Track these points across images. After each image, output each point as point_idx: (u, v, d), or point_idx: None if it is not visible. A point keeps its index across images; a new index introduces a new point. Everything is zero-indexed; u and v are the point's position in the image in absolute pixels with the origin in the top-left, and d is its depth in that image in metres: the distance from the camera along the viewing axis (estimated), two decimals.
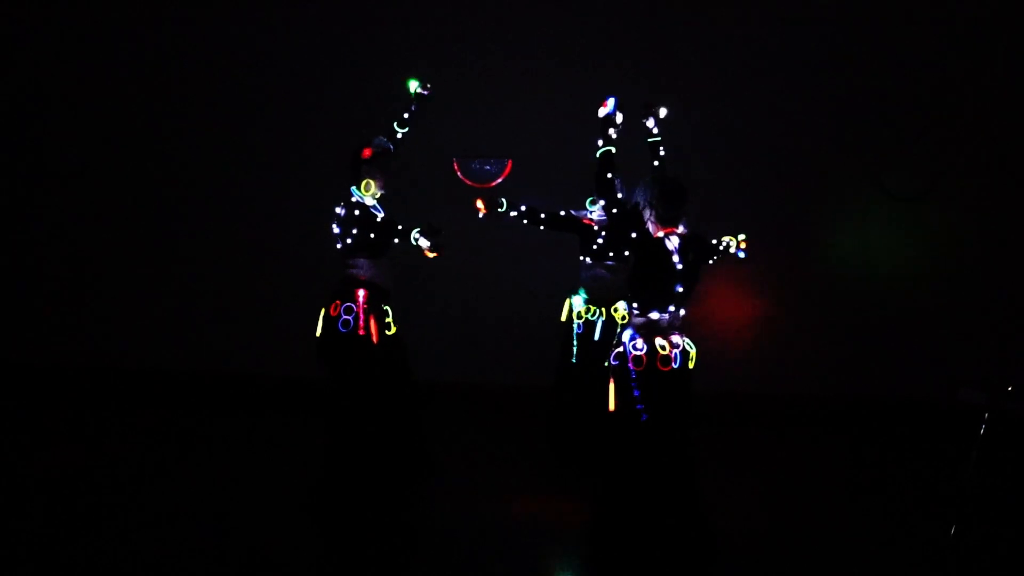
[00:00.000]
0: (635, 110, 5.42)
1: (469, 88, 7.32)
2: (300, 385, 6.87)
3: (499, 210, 5.63)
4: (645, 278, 4.45)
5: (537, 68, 7.37)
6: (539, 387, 6.74)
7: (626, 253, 5.77)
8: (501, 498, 5.49)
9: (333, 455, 5.26)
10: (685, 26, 7.36)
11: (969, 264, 7.30)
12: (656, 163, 5.61)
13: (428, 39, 7.39)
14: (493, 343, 7.46)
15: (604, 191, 4.57)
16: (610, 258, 5.94)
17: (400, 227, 5.10)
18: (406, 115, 5.64)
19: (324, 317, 5.26)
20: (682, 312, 4.51)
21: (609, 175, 4.55)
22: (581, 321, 5.97)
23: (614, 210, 4.52)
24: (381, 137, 5.46)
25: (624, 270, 5.71)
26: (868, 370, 7.38)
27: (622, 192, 5.62)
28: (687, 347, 4.50)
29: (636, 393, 4.35)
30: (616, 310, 5.82)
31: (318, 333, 5.28)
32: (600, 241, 5.91)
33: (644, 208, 4.47)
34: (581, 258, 6.07)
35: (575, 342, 5.99)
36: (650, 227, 4.48)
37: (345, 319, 5.20)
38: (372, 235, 5.20)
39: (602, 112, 4.62)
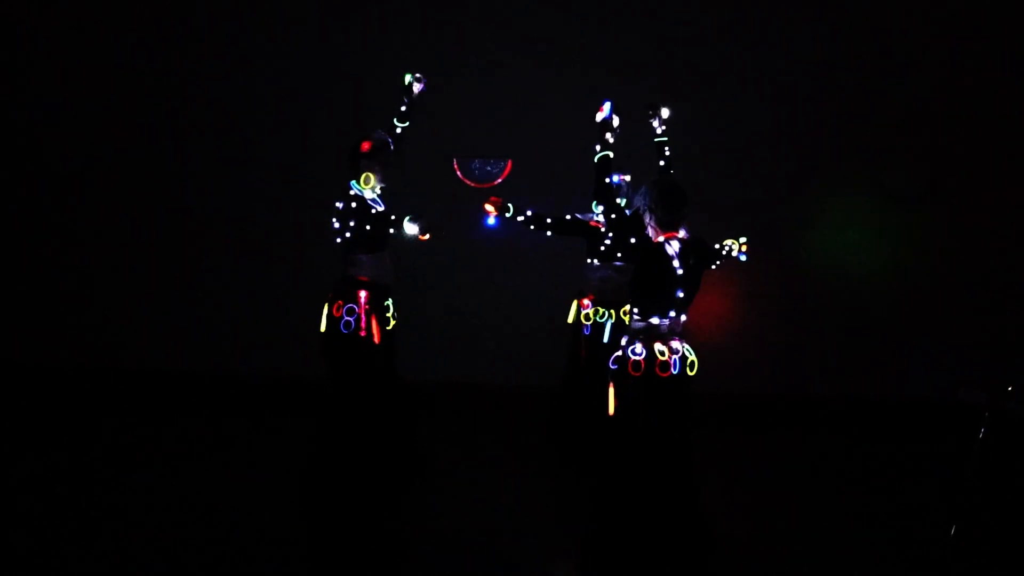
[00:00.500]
0: (637, 112, 5.43)
1: (470, 89, 7.32)
2: (300, 385, 6.86)
3: (507, 215, 5.63)
4: (645, 283, 4.42)
5: (537, 69, 7.37)
6: (540, 388, 6.75)
7: (620, 256, 5.77)
8: (501, 498, 5.49)
9: (325, 452, 5.29)
10: (685, 26, 7.36)
11: (969, 264, 7.30)
12: (662, 163, 5.62)
13: (428, 39, 7.38)
14: (494, 344, 7.46)
15: (603, 196, 4.56)
16: (618, 259, 5.92)
17: (393, 217, 5.19)
18: (403, 108, 5.66)
19: (328, 315, 5.28)
20: (683, 318, 4.49)
21: (608, 180, 4.53)
22: (589, 323, 5.98)
23: (613, 215, 4.51)
24: (380, 131, 5.48)
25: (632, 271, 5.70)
26: (868, 370, 7.38)
27: (629, 194, 5.62)
28: (687, 353, 4.48)
29: (634, 398, 4.35)
30: (625, 312, 5.81)
31: (322, 328, 5.31)
32: (607, 242, 5.90)
33: (644, 212, 4.44)
34: (588, 260, 6.06)
35: (583, 344, 5.98)
36: (650, 232, 4.45)
37: (347, 320, 5.22)
38: (368, 227, 5.22)
39: (599, 117, 4.60)
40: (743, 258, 4.99)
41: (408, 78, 5.68)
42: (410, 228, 5.12)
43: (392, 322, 5.47)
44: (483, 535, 4.93)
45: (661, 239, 4.43)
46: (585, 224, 5.94)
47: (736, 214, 6.81)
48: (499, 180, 5.39)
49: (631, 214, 4.50)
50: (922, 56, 7.26)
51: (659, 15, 7.36)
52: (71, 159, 7.62)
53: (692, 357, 4.49)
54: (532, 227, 5.79)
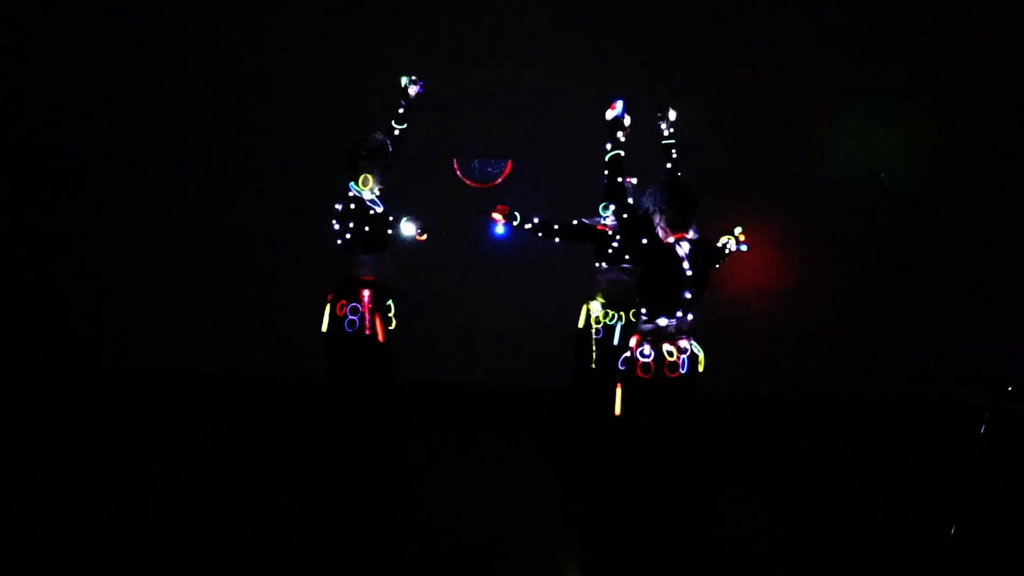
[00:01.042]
0: (646, 112, 5.41)
1: (471, 89, 7.32)
2: (300, 385, 6.86)
3: (514, 223, 5.63)
4: (654, 284, 4.41)
5: (538, 69, 7.37)
6: (541, 388, 6.75)
7: (629, 257, 5.76)
8: (501, 498, 5.50)
9: (325, 452, 5.30)
10: (687, 27, 7.36)
11: (970, 264, 7.31)
12: (669, 164, 5.61)
13: (429, 39, 7.39)
14: (494, 344, 7.46)
15: (614, 195, 4.47)
16: (626, 261, 5.92)
17: (391, 218, 5.30)
18: (400, 111, 5.69)
19: (330, 315, 5.29)
20: (690, 317, 4.49)
21: (619, 179, 4.51)
22: (600, 326, 5.98)
23: (624, 215, 4.48)
24: (378, 132, 5.50)
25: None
26: (868, 370, 7.39)
27: (635, 196, 5.59)
28: (695, 351, 4.48)
29: (643, 400, 4.34)
30: (635, 314, 5.81)
31: (324, 328, 5.32)
32: (615, 245, 5.90)
33: (654, 213, 4.42)
34: (597, 264, 6.07)
35: (594, 347, 5.99)
36: (660, 232, 4.43)
37: (351, 319, 5.25)
38: (367, 228, 5.24)
39: (610, 115, 4.47)
40: (744, 248, 4.98)
41: (404, 80, 5.71)
42: (407, 228, 5.22)
43: (393, 322, 5.49)
44: (483, 535, 4.93)
45: (671, 240, 4.42)
46: (592, 228, 5.94)
47: (736, 214, 6.80)
48: (499, 180, 5.39)
49: (640, 214, 4.48)
50: (924, 56, 7.26)
51: (659, 15, 7.37)
52: (70, 158, 7.62)
53: (700, 354, 4.50)
54: (540, 234, 5.79)
